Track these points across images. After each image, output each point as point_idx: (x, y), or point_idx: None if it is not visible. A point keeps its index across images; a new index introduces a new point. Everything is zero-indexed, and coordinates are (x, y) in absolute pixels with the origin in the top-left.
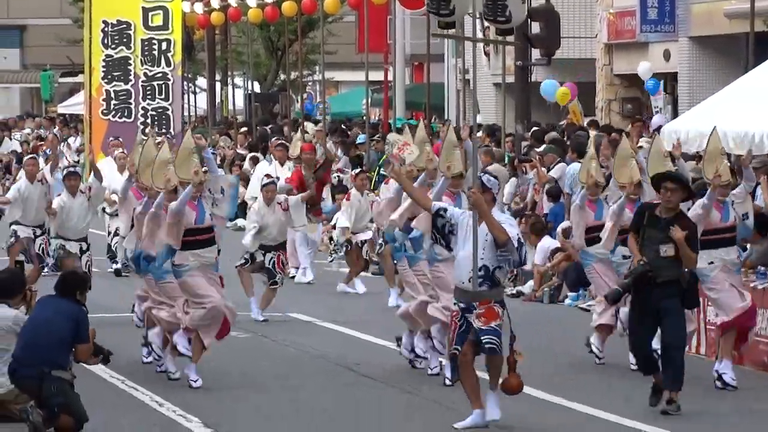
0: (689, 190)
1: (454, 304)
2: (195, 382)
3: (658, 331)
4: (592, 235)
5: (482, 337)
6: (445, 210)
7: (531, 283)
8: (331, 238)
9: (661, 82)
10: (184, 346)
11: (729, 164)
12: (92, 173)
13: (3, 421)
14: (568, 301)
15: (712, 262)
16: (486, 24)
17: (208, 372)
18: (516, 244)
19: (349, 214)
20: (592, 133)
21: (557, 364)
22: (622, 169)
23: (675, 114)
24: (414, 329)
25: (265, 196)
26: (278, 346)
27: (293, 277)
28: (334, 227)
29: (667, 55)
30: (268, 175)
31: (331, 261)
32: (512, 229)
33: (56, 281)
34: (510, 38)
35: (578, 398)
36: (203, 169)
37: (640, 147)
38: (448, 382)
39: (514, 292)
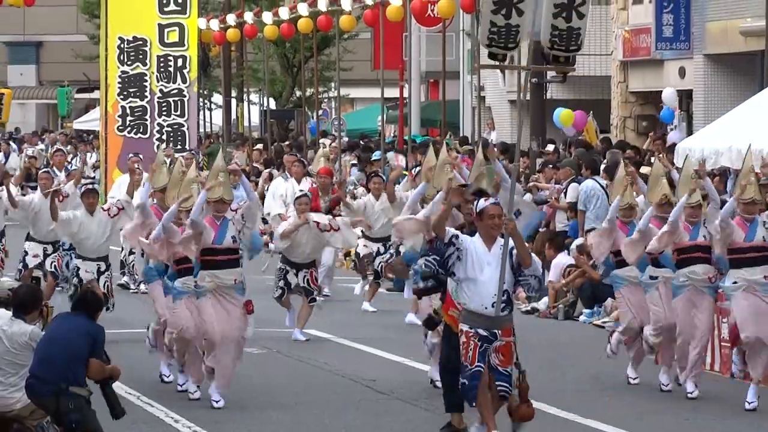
0: None
1: (470, 328)
2: (217, 402)
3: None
4: (623, 257)
5: (497, 382)
6: (458, 237)
7: (546, 299)
8: (347, 254)
9: (677, 100)
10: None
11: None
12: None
13: None
14: (582, 317)
15: (735, 282)
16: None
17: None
18: (540, 269)
19: (362, 212)
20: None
21: (571, 381)
22: (654, 188)
23: (690, 131)
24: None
25: (298, 210)
26: (295, 362)
27: None
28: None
29: (682, 73)
30: (301, 190)
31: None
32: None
33: (74, 298)
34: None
35: (592, 415)
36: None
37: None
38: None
39: (529, 308)
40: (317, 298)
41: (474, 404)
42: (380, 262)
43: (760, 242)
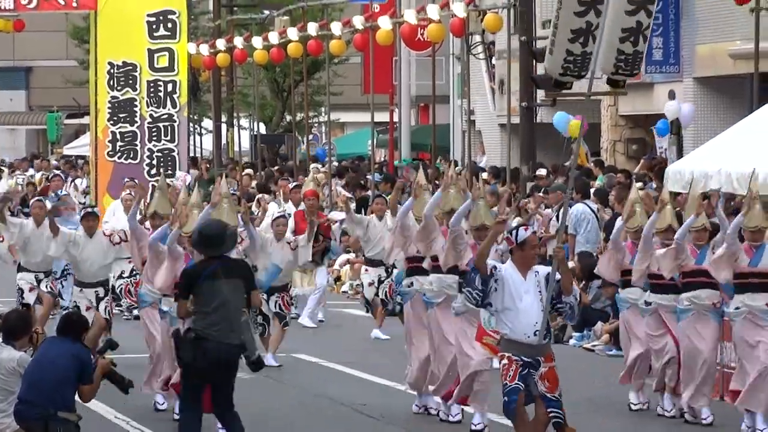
0: None
1: (514, 356)
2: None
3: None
4: (628, 277)
5: (549, 408)
6: (496, 268)
7: None
8: (337, 279)
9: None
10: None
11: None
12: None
13: None
14: (572, 341)
15: (738, 308)
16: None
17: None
18: (578, 297)
19: (364, 228)
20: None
21: (565, 404)
22: (660, 215)
23: (680, 154)
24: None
25: (275, 231)
26: (284, 387)
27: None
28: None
29: (671, 96)
30: (280, 211)
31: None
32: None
33: (58, 322)
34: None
35: None
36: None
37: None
38: (454, 418)
39: None
40: (288, 322)
41: (515, 423)
42: (384, 289)
43: (765, 268)
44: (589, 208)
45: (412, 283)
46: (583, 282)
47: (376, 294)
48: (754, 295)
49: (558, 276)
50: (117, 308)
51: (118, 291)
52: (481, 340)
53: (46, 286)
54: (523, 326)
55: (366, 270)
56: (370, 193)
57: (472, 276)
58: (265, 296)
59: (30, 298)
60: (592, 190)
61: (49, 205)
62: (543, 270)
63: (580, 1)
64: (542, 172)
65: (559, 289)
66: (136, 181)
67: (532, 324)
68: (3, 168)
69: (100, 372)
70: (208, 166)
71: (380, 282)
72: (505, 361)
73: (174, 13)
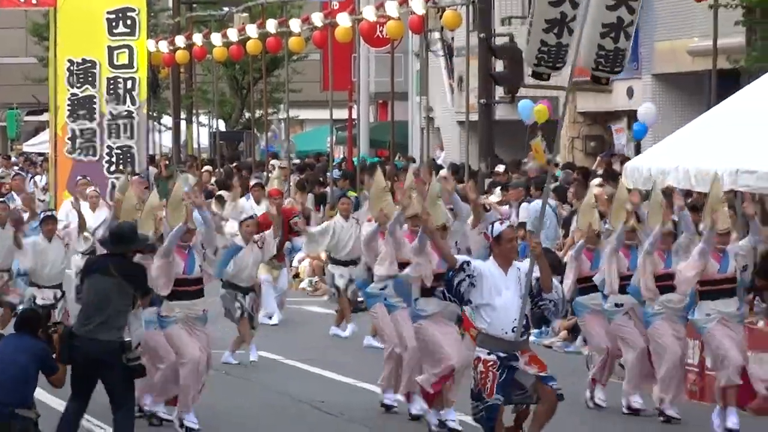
0: None
1: (488, 354)
2: (194, 424)
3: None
4: (586, 284)
5: (550, 383)
6: (469, 263)
7: None
8: (296, 275)
9: (625, 120)
10: (192, 422)
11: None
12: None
13: None
14: (531, 338)
15: (708, 314)
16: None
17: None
18: (560, 294)
19: (330, 236)
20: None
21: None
22: (618, 212)
23: (638, 151)
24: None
25: (245, 232)
26: (248, 384)
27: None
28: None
29: (630, 93)
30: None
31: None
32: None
33: (15, 320)
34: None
35: None
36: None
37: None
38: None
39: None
40: (256, 325)
41: None
42: (353, 289)
43: (732, 274)
44: (549, 204)
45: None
46: None
47: (346, 287)
48: (728, 301)
49: (536, 273)
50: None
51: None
52: (468, 330)
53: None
54: (501, 322)
55: (331, 266)
56: (328, 189)
57: (447, 277)
58: (242, 294)
59: None
60: (551, 187)
61: (11, 206)
62: (525, 266)
63: None
64: (500, 168)
65: (539, 286)
66: (88, 178)
67: (510, 320)
68: None
69: (58, 343)
70: (167, 163)
71: (350, 281)
72: (481, 367)
73: (134, 10)
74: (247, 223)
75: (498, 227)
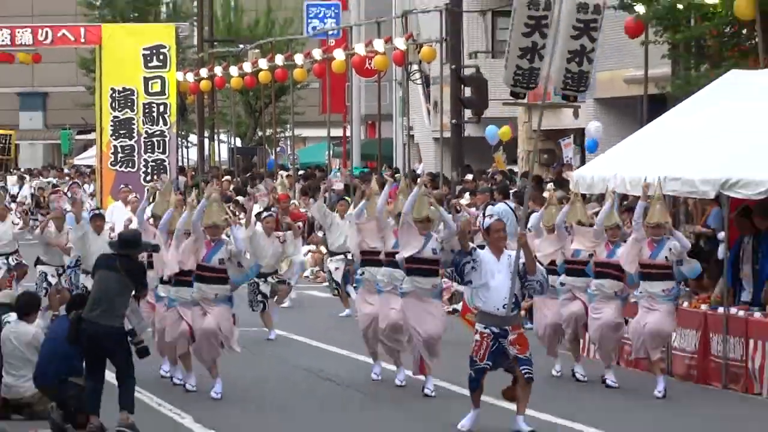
0: None
1: (485, 328)
2: (217, 394)
3: None
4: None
5: (522, 367)
6: (475, 250)
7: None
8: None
9: (572, 136)
10: (191, 384)
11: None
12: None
13: (31, 419)
14: None
15: (641, 292)
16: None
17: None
18: (545, 275)
19: (329, 219)
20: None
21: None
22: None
23: (583, 162)
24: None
25: (265, 227)
26: (260, 358)
27: None
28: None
29: (576, 114)
30: (267, 208)
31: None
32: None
33: (67, 303)
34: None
35: (534, 406)
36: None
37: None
38: (429, 393)
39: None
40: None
41: (473, 394)
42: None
43: (662, 261)
44: (509, 206)
45: (363, 273)
46: None
47: (344, 277)
48: (653, 283)
49: (523, 259)
50: None
51: None
52: (464, 316)
53: (65, 281)
54: (494, 300)
55: (330, 259)
56: (327, 195)
57: (455, 259)
58: (262, 280)
59: (52, 280)
60: (511, 192)
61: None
62: (514, 253)
63: (527, 24)
64: (469, 177)
65: (525, 269)
66: (130, 186)
67: (501, 299)
68: (24, 176)
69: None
70: (193, 173)
71: (347, 264)
72: (477, 337)
73: (165, 47)
74: (267, 219)
75: (487, 221)
